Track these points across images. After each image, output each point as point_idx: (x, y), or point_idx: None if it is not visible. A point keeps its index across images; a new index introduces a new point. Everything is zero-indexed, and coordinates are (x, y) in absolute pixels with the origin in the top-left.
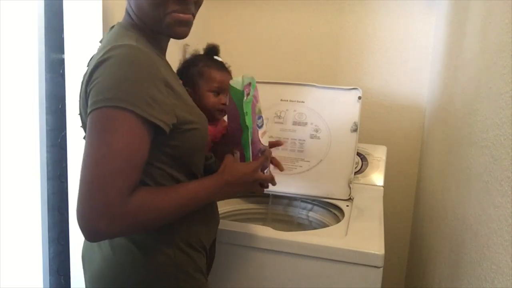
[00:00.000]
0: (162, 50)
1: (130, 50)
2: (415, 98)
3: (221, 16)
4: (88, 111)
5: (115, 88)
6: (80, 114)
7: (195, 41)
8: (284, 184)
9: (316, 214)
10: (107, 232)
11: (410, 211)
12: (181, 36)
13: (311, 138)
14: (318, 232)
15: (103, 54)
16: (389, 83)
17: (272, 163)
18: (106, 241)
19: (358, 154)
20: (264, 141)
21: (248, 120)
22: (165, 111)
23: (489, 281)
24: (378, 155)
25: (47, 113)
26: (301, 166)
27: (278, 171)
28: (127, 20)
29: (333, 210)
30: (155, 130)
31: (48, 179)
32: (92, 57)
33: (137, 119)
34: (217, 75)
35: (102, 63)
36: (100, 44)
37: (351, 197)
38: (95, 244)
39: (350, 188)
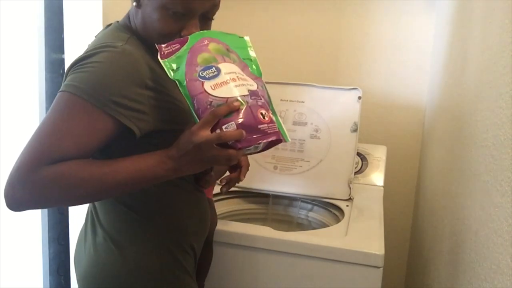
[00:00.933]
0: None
1: (116, 51)
2: (415, 98)
3: (220, 16)
4: (59, 90)
5: (88, 81)
6: None
7: None
8: (284, 184)
9: (316, 214)
10: (19, 198)
11: (410, 211)
12: None
13: (311, 138)
14: (318, 232)
15: (93, 49)
16: (389, 83)
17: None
18: (91, 241)
19: (358, 154)
20: (223, 92)
21: (177, 74)
22: (138, 111)
23: (489, 281)
24: (378, 155)
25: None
26: (301, 166)
27: (278, 171)
28: (126, 23)
29: (333, 210)
30: (128, 129)
31: None
32: None
33: (97, 112)
34: None
35: (89, 57)
36: (95, 38)
37: (351, 197)
38: (82, 244)
39: (350, 188)
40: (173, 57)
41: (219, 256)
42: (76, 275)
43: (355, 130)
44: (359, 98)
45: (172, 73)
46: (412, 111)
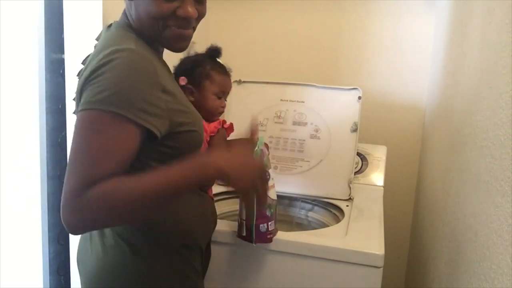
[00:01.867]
0: (159, 51)
1: (131, 54)
2: (415, 98)
3: (220, 16)
4: (79, 109)
5: (110, 92)
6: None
7: (194, 39)
8: (284, 184)
9: (316, 214)
10: (74, 224)
11: (410, 211)
12: (180, 50)
13: (311, 138)
14: (318, 232)
15: (105, 56)
16: (389, 83)
17: None
18: (98, 242)
19: (358, 154)
20: (271, 194)
21: None
22: (158, 116)
23: (489, 281)
24: (378, 155)
25: (47, 113)
26: (301, 166)
27: (278, 171)
28: (125, 21)
29: (333, 210)
30: (147, 133)
31: (48, 179)
32: (89, 55)
33: (127, 122)
34: (222, 79)
35: (103, 66)
36: (96, 42)
37: (351, 197)
38: (87, 245)
39: (350, 188)
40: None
41: (219, 256)
42: (81, 276)
43: (355, 130)
44: (359, 98)
45: None
46: (412, 111)
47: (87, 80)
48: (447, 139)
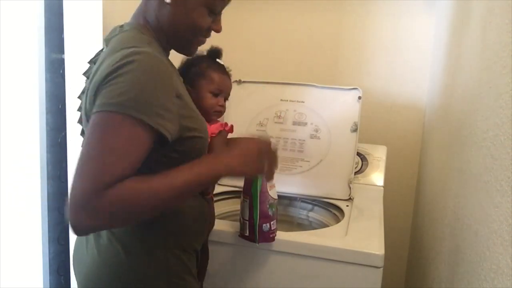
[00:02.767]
0: (167, 51)
1: (149, 58)
2: (415, 98)
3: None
4: (95, 110)
5: (130, 95)
6: (84, 109)
7: None
8: (284, 184)
9: (316, 214)
10: (86, 224)
11: (410, 211)
12: (192, 55)
13: (311, 138)
14: (318, 232)
15: (124, 57)
16: (389, 83)
17: None
18: (93, 243)
19: (358, 154)
20: (272, 193)
21: None
22: (171, 121)
23: (489, 281)
24: (378, 155)
25: (47, 113)
26: (301, 166)
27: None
28: (140, 22)
29: (333, 210)
30: (159, 137)
31: (48, 179)
32: (98, 54)
33: (143, 126)
34: (218, 77)
35: (122, 67)
36: (105, 41)
37: (351, 197)
38: (83, 245)
39: (350, 188)
40: None
41: (219, 256)
42: (77, 277)
43: (355, 130)
44: (359, 98)
45: None
46: (412, 111)
47: (104, 80)
48: (447, 139)
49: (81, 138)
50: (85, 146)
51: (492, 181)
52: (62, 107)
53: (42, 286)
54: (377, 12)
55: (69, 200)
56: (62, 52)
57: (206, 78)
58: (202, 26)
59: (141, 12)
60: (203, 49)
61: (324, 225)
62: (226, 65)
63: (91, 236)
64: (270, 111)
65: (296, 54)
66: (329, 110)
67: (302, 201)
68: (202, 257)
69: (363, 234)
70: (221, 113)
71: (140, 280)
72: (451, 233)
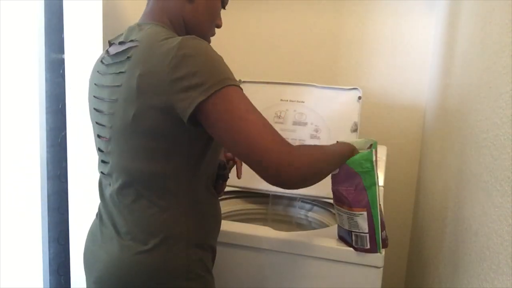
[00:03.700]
0: None
1: (200, 41)
2: (415, 98)
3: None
4: (213, 91)
5: (220, 71)
6: (138, 105)
7: None
8: None
9: (315, 214)
10: (299, 175)
11: (410, 211)
12: None
13: (311, 138)
14: (318, 232)
15: (180, 48)
16: (389, 83)
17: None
18: (112, 241)
19: None
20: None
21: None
22: None
23: (489, 281)
24: (378, 155)
25: (47, 113)
26: None
27: None
28: (159, 21)
29: (333, 210)
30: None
31: (48, 179)
32: (127, 46)
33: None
34: None
35: (187, 56)
36: (123, 40)
37: None
38: (97, 242)
39: None
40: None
41: (219, 256)
42: (92, 273)
43: (355, 130)
44: (359, 98)
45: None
46: (412, 111)
47: (175, 71)
48: (447, 139)
49: (81, 138)
50: (235, 118)
51: (492, 181)
52: (62, 107)
53: (42, 286)
54: (377, 12)
55: (268, 166)
56: (62, 52)
57: None
58: (218, 20)
59: (159, 13)
60: None
61: (324, 225)
62: None
63: (108, 234)
64: (270, 111)
65: (296, 54)
66: (329, 110)
67: (302, 201)
68: None
69: None
70: None
71: (160, 277)
72: (451, 233)
